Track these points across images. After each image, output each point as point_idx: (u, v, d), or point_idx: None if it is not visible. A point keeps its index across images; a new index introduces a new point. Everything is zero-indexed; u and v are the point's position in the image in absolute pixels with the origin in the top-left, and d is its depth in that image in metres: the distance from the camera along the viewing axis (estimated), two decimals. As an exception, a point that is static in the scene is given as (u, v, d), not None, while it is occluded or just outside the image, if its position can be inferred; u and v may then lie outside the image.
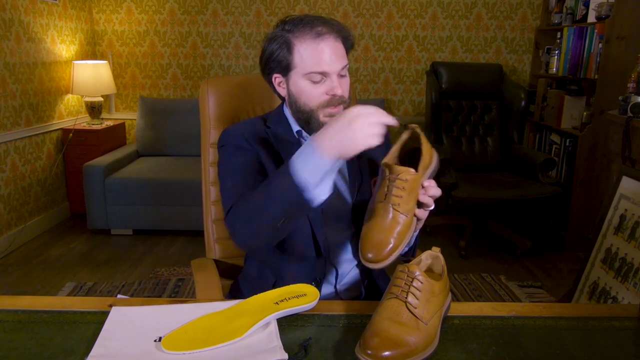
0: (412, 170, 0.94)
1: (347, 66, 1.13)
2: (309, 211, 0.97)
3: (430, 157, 1.00)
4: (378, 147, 1.29)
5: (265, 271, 1.23)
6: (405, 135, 1.03)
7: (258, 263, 1.28)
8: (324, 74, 1.09)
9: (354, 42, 1.17)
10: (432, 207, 0.99)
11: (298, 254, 1.19)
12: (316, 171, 0.91)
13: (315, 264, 1.19)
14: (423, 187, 0.97)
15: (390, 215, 0.93)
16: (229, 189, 1.11)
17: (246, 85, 1.53)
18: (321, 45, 1.08)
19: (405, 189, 0.94)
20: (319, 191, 0.93)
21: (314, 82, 1.10)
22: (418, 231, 1.12)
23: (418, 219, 0.99)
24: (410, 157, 1.04)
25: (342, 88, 1.11)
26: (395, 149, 1.02)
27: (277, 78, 1.17)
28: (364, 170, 1.23)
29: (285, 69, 1.12)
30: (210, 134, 1.46)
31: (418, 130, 1.02)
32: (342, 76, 1.12)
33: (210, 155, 1.48)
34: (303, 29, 1.09)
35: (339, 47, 1.11)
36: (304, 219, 1.15)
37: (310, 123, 1.13)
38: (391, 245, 0.91)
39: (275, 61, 1.12)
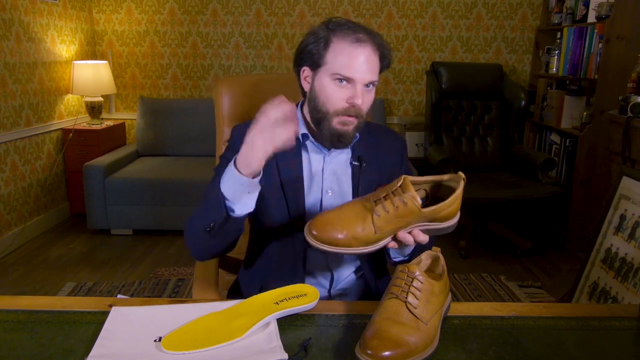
0: (419, 201, 0.90)
1: (376, 83, 1.11)
2: (234, 222, 1.02)
3: (448, 213, 0.94)
4: (390, 156, 1.25)
5: (253, 289, 1.22)
6: (446, 176, 0.97)
7: (247, 277, 1.28)
8: (350, 80, 1.07)
9: (391, 62, 1.15)
10: (407, 247, 1.00)
11: (286, 271, 1.18)
12: (234, 185, 0.97)
13: (302, 280, 1.18)
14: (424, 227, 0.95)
15: (366, 219, 0.89)
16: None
17: (260, 85, 1.56)
18: (358, 50, 1.07)
19: (398, 209, 0.89)
20: (239, 206, 0.99)
21: (338, 85, 1.08)
22: (412, 250, 1.10)
23: (387, 245, 0.94)
24: (438, 199, 0.97)
25: (363, 100, 1.08)
26: (428, 178, 0.98)
27: (305, 71, 1.15)
28: (369, 176, 1.20)
29: (316, 64, 1.11)
30: (224, 132, 1.50)
31: (461, 180, 0.94)
32: (367, 89, 1.10)
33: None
34: (346, 30, 1.08)
35: (374, 60, 1.09)
36: (292, 236, 1.16)
37: (321, 125, 1.12)
38: (339, 237, 0.87)
39: (308, 53, 1.12)
